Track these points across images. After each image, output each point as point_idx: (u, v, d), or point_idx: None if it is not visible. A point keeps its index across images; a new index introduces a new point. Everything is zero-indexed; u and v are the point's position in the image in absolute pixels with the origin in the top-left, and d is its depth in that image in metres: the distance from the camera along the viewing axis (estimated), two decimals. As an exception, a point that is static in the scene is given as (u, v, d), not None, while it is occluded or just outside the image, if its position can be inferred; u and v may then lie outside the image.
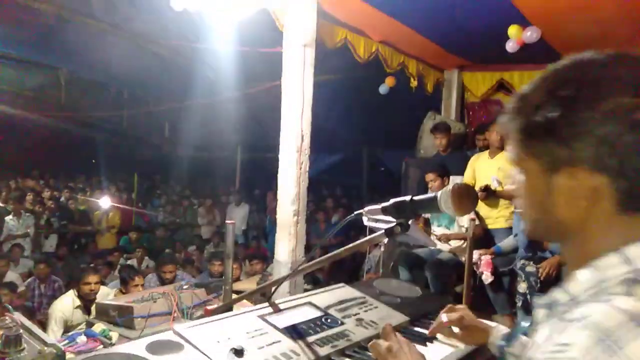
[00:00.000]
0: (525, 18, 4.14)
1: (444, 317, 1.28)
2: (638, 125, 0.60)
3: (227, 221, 1.98)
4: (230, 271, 1.94)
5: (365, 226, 1.23)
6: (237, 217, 9.13)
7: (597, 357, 0.54)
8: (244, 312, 1.36)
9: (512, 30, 4.21)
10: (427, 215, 4.64)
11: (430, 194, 1.06)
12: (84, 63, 8.57)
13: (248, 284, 5.20)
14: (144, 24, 6.23)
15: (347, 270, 6.49)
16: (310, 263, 1.37)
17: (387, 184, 9.87)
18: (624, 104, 0.61)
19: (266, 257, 6.39)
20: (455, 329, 1.29)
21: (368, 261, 5.62)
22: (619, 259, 0.62)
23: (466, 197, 0.99)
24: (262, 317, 1.33)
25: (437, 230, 4.45)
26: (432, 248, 4.33)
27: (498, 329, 1.26)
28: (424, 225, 4.71)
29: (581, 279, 0.65)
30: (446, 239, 4.29)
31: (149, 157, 13.78)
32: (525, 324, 1.19)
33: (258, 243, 8.15)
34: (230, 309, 1.58)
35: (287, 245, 4.04)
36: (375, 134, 10.45)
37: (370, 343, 1.14)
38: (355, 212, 1.22)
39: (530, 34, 4.22)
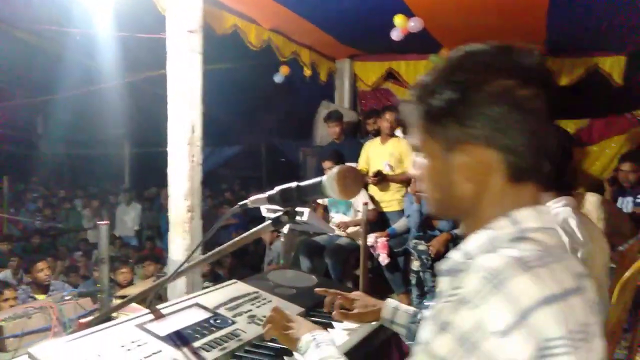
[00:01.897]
0: (409, 9, 4.32)
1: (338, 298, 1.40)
2: (520, 105, 0.69)
3: (99, 222, 1.77)
4: (106, 277, 1.74)
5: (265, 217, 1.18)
6: (128, 218, 8.53)
7: (484, 294, 0.60)
8: (120, 323, 1.21)
9: (398, 19, 4.37)
10: (325, 203, 4.69)
11: (315, 179, 1.01)
12: None
13: (142, 288, 4.85)
14: (5, 6, 5.47)
15: (250, 264, 6.37)
16: (193, 262, 1.25)
17: (287, 174, 9.87)
18: (506, 85, 0.69)
19: (160, 257, 6.03)
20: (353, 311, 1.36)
21: (270, 253, 5.56)
22: (508, 221, 0.71)
23: (350, 179, 0.96)
24: (140, 325, 1.19)
25: (336, 216, 4.52)
26: (331, 234, 4.39)
27: (387, 303, 1.34)
28: (322, 213, 4.76)
29: (474, 239, 0.72)
30: (345, 226, 4.37)
31: (21, 157, 12.27)
32: (429, 303, 1.24)
33: (152, 244, 7.67)
34: (109, 320, 1.40)
35: (181, 243, 3.83)
36: (273, 125, 10.38)
37: (267, 316, 1.12)
38: (240, 203, 1.14)
39: (414, 25, 4.41)
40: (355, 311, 1.36)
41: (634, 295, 2.01)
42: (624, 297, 1.91)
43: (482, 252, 0.69)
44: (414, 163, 0.81)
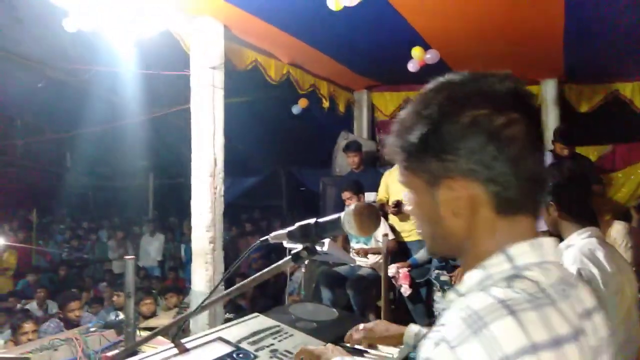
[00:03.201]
0: (425, 41, 4.40)
1: (360, 325, 1.47)
2: (496, 134, 0.65)
3: (126, 256, 1.82)
4: (131, 311, 1.78)
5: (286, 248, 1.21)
6: (152, 249, 8.65)
7: (465, 335, 0.57)
8: (145, 357, 1.24)
9: (416, 51, 4.45)
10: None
11: (334, 215, 1.04)
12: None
13: (165, 320, 4.87)
14: (36, 47, 5.76)
15: (271, 295, 6.35)
16: (216, 297, 1.28)
17: (307, 204, 9.90)
18: (480, 115, 0.66)
19: (182, 289, 6.07)
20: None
21: (291, 284, 5.54)
22: (503, 257, 0.67)
23: (367, 216, 0.98)
24: (165, 360, 1.21)
25: (356, 246, 4.50)
26: (352, 265, 4.37)
27: (409, 328, 1.39)
28: (343, 242, 4.75)
29: (469, 278, 0.69)
30: (364, 253, 4.35)
31: (50, 190, 12.66)
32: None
33: (175, 274, 7.74)
34: (134, 354, 1.43)
35: (204, 274, 3.86)
36: (293, 155, 10.49)
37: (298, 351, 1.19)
38: (261, 239, 1.17)
39: (431, 56, 4.48)
40: (377, 335, 1.41)
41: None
42: (654, 329, 1.85)
43: (474, 291, 0.65)
44: (406, 199, 0.80)
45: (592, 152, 5.42)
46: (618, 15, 3.77)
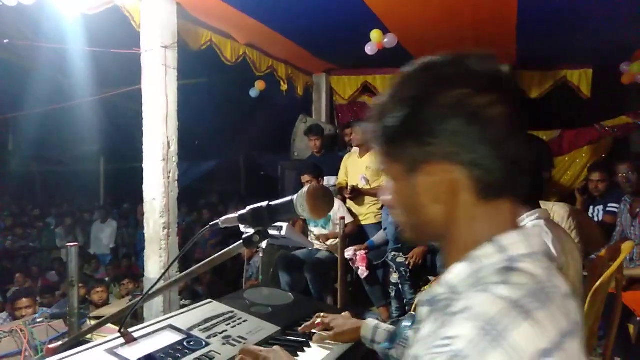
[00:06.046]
0: (383, 24, 4.39)
1: (317, 320, 1.39)
2: (477, 114, 0.63)
3: (69, 244, 1.73)
4: (75, 300, 1.70)
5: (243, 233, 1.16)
6: (104, 235, 8.36)
7: (484, 348, 0.52)
8: (90, 348, 1.18)
9: (375, 34, 4.45)
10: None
11: (286, 198, 1.01)
12: None
13: (118, 308, 4.73)
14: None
15: (229, 281, 6.28)
16: (168, 282, 1.23)
17: (266, 188, 9.82)
18: (462, 95, 0.64)
19: (137, 275, 5.91)
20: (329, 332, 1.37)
21: (249, 268, 5.50)
22: (494, 248, 0.64)
23: (320, 199, 0.96)
24: (110, 350, 1.16)
25: (315, 230, 4.51)
26: (311, 249, 4.37)
27: (367, 322, 1.33)
28: (302, 226, 4.75)
29: (457, 270, 0.65)
30: (325, 239, 4.37)
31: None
32: (407, 323, 1.23)
33: (129, 261, 7.51)
34: (81, 344, 1.36)
35: (158, 261, 3.76)
36: (251, 139, 10.36)
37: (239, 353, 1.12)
38: (211, 224, 1.13)
39: (389, 40, 4.49)
40: (333, 332, 1.35)
41: (605, 303, 2.06)
42: (596, 306, 1.94)
43: (468, 286, 0.62)
44: (384, 188, 0.76)
45: (541, 137, 5.63)
46: (569, 3, 3.89)
